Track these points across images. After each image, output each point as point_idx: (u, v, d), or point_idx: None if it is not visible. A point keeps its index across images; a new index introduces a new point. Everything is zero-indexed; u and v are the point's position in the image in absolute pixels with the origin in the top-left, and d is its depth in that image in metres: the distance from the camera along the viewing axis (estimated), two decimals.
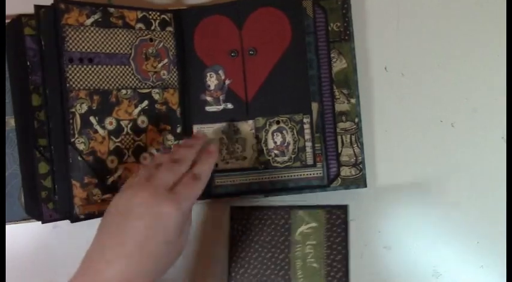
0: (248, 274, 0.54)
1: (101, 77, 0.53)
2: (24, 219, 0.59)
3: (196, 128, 0.59)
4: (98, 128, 0.53)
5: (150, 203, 0.45)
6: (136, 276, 0.44)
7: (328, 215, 0.54)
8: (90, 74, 0.53)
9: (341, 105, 0.59)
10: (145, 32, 0.56)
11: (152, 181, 0.47)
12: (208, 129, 0.58)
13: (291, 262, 0.54)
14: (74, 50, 0.52)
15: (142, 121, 0.56)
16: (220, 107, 0.59)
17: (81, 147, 0.52)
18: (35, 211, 0.56)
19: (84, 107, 0.52)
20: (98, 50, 0.53)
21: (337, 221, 0.54)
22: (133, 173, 0.53)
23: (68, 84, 0.51)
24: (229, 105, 0.59)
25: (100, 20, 0.53)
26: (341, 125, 0.59)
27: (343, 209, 0.53)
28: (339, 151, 0.59)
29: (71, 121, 0.51)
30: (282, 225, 0.55)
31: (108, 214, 0.47)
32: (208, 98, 0.59)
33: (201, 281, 0.61)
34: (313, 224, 0.54)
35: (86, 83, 0.52)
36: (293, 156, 0.57)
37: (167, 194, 0.46)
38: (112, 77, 0.54)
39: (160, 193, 0.46)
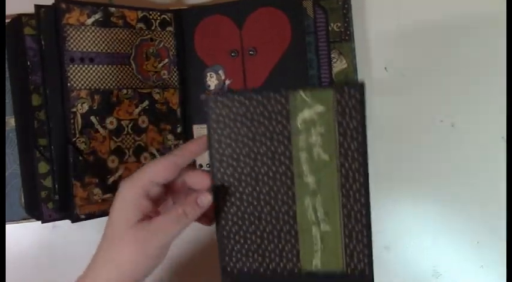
0: (238, 173, 0.43)
1: (101, 76, 0.53)
2: (24, 219, 0.59)
3: (196, 128, 0.59)
4: (98, 127, 0.53)
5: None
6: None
7: (338, 95, 0.41)
8: (91, 74, 0.53)
9: None
10: (146, 32, 0.56)
11: None
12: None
13: (293, 155, 0.43)
14: (75, 49, 0.52)
15: (143, 121, 0.56)
16: None
17: (82, 146, 0.52)
18: (35, 211, 0.56)
19: (85, 107, 0.52)
20: (99, 50, 0.53)
21: (350, 102, 0.41)
22: None
23: (69, 84, 0.51)
24: None
25: (101, 19, 0.53)
26: None
27: (358, 87, 0.41)
28: None
29: (72, 121, 0.51)
30: (278, 112, 0.42)
31: None
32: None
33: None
34: (320, 108, 0.42)
35: (87, 82, 0.52)
36: None
37: None
38: (113, 77, 0.54)
39: None
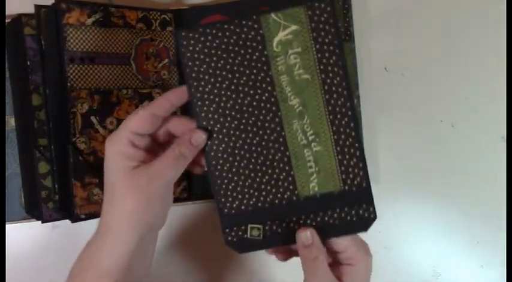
0: (222, 108, 0.42)
1: (101, 76, 0.53)
2: (24, 219, 0.59)
3: None
4: (98, 127, 0.53)
5: None
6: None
7: (309, 11, 0.41)
8: (91, 74, 0.52)
9: None
10: (146, 32, 0.56)
11: None
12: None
13: (274, 80, 0.41)
14: (75, 49, 0.52)
15: None
16: None
17: (82, 147, 0.52)
18: (35, 211, 0.56)
19: (85, 107, 0.52)
20: (99, 50, 0.53)
21: (322, 17, 0.41)
22: None
23: (69, 84, 0.51)
24: None
25: (101, 19, 0.53)
26: None
27: (328, 0, 0.41)
28: None
29: (72, 121, 0.51)
30: (253, 39, 0.41)
31: None
32: None
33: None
34: (293, 27, 0.41)
35: (87, 82, 0.52)
36: None
37: None
38: (113, 77, 0.54)
39: None
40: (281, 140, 0.42)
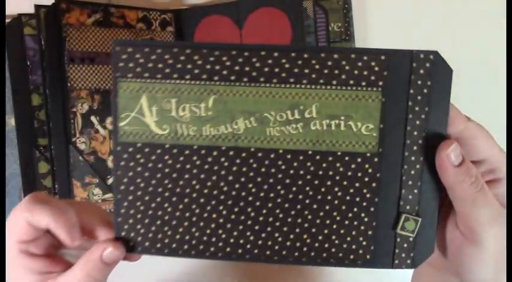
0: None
1: (102, 76, 0.53)
2: None
3: None
4: (99, 127, 0.53)
5: None
6: None
7: (120, 73, 0.32)
8: (91, 74, 0.53)
9: None
10: (146, 32, 0.56)
11: None
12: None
13: (192, 149, 0.33)
14: (75, 49, 0.52)
15: None
16: None
17: (82, 147, 0.52)
18: None
19: (85, 107, 0.52)
20: (99, 50, 0.53)
21: (136, 60, 0.32)
22: None
23: (69, 84, 0.51)
24: None
25: (101, 19, 0.53)
26: None
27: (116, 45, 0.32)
28: None
29: (72, 121, 0.51)
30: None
31: None
32: None
33: None
34: (141, 100, 0.33)
35: (87, 82, 0.52)
36: None
37: None
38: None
39: None
40: (288, 159, 0.33)
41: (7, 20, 0.57)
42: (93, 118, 0.53)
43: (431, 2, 0.62)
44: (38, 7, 0.53)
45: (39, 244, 0.33)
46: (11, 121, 0.58)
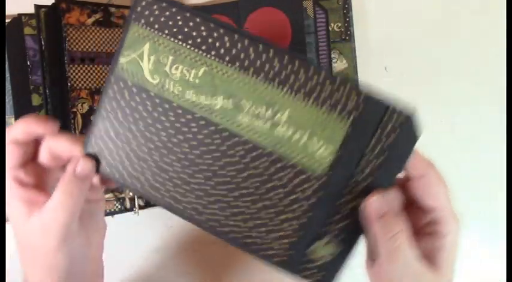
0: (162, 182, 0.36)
1: (102, 76, 0.53)
2: None
3: None
4: None
5: None
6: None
7: (137, 18, 0.35)
8: (92, 74, 0.53)
9: None
10: None
11: None
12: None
13: (180, 107, 0.35)
14: (75, 49, 0.52)
15: None
16: None
17: None
18: None
19: (86, 107, 0.52)
20: (99, 50, 0.53)
21: (154, 11, 0.35)
22: None
23: (69, 84, 0.51)
24: None
25: (101, 19, 0.53)
26: None
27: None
28: None
29: (72, 121, 0.51)
30: (127, 96, 0.36)
31: None
32: None
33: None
34: (145, 46, 0.35)
35: (87, 82, 0.52)
36: None
37: None
38: None
39: None
40: (249, 147, 0.35)
41: (7, 20, 0.57)
42: (93, 118, 0.53)
43: (431, 2, 0.62)
44: (38, 7, 0.53)
45: (28, 171, 0.37)
46: (11, 121, 0.58)
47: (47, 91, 0.54)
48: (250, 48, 0.34)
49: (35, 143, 0.38)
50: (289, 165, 0.35)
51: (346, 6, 0.59)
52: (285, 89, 0.34)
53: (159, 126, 0.36)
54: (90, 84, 0.52)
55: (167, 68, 0.35)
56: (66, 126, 0.51)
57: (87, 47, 0.52)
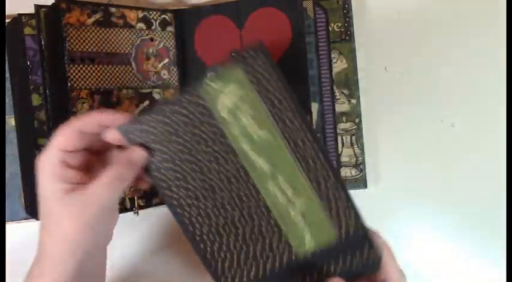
0: (192, 192, 0.41)
1: (102, 76, 0.53)
2: (24, 219, 0.59)
3: None
4: None
5: None
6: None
7: (242, 64, 0.38)
8: (92, 74, 0.52)
9: (341, 106, 0.59)
10: (146, 32, 0.56)
11: None
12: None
13: (234, 147, 0.39)
14: (75, 49, 0.52)
15: None
16: None
17: None
18: (35, 211, 0.56)
19: (86, 107, 0.52)
20: (99, 50, 0.53)
21: (258, 66, 0.38)
22: None
23: (69, 84, 0.51)
24: None
25: (101, 19, 0.53)
26: (341, 125, 0.59)
27: (256, 47, 0.38)
28: (339, 152, 0.59)
29: None
30: (199, 113, 0.39)
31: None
32: None
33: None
34: (232, 86, 0.38)
35: (87, 82, 0.52)
36: None
37: None
38: (113, 77, 0.54)
39: None
40: (261, 205, 0.40)
41: (7, 20, 0.57)
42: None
43: (431, 1, 0.62)
44: (38, 7, 0.53)
45: (77, 157, 0.39)
46: (11, 121, 0.59)
47: (47, 91, 0.54)
48: (309, 143, 0.39)
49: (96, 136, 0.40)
50: (284, 237, 0.40)
51: (346, 6, 0.59)
52: (314, 185, 0.39)
53: (205, 148, 0.40)
54: (90, 84, 0.52)
55: (241, 115, 0.39)
56: None
57: (87, 47, 0.52)
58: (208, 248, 0.41)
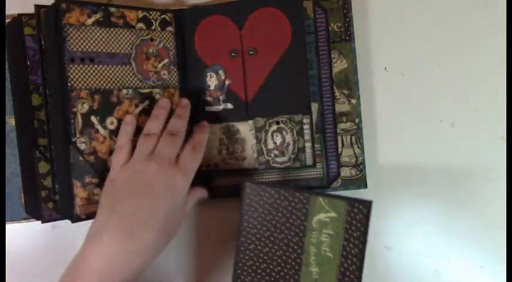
0: (258, 251, 0.52)
1: (102, 76, 0.53)
2: (24, 219, 0.59)
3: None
4: (99, 127, 0.53)
5: (164, 179, 0.48)
6: (154, 252, 0.48)
7: (349, 207, 0.50)
8: (92, 74, 0.52)
9: (341, 106, 0.59)
10: (146, 32, 0.56)
11: (156, 155, 0.49)
12: (208, 129, 0.58)
13: (304, 247, 0.51)
14: (75, 49, 0.52)
15: (143, 121, 0.55)
16: (220, 107, 0.59)
17: (82, 147, 0.52)
18: (35, 211, 0.56)
19: (86, 107, 0.52)
20: (99, 50, 0.53)
21: (358, 215, 0.50)
22: (117, 149, 0.53)
23: (69, 84, 0.51)
24: (229, 106, 0.59)
25: (101, 19, 0.53)
26: (341, 125, 0.59)
27: (367, 204, 0.50)
28: (339, 152, 0.59)
29: (72, 121, 0.51)
30: (299, 209, 0.51)
31: (116, 191, 0.49)
32: (208, 98, 0.59)
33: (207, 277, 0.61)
34: (333, 214, 0.50)
35: (87, 82, 0.52)
36: (293, 156, 0.57)
37: (174, 167, 0.49)
38: (113, 77, 0.54)
39: (169, 166, 0.49)
40: None
41: (7, 20, 0.57)
42: (93, 118, 0.53)
43: (431, 2, 0.62)
44: (38, 7, 0.53)
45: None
46: (11, 121, 0.59)
47: (47, 91, 0.54)
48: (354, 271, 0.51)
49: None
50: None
51: (346, 6, 0.59)
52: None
53: (285, 236, 0.52)
54: (90, 84, 0.52)
55: (324, 231, 0.51)
56: (66, 126, 0.51)
57: (87, 47, 0.52)
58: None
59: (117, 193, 0.49)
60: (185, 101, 0.56)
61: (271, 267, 0.52)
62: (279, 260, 0.51)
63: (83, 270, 0.45)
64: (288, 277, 0.52)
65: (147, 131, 0.52)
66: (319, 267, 0.51)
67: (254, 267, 0.52)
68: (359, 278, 0.50)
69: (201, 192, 0.55)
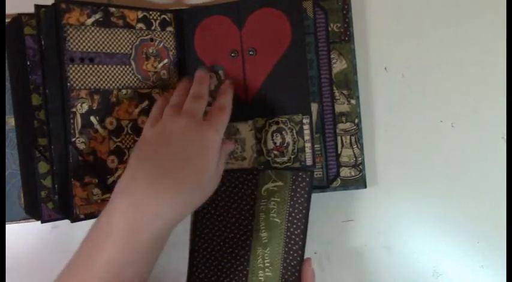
0: (214, 220, 0.56)
1: (101, 76, 0.53)
2: (24, 219, 0.59)
3: None
4: (98, 127, 0.53)
5: (194, 131, 0.47)
6: (188, 207, 0.46)
7: (294, 176, 0.55)
8: (91, 74, 0.52)
9: (341, 106, 0.59)
10: (146, 32, 0.56)
11: (184, 113, 0.49)
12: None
13: (255, 214, 0.56)
14: (75, 49, 0.52)
15: (143, 121, 0.56)
16: None
17: (81, 147, 0.52)
18: (35, 211, 0.56)
19: (85, 107, 0.52)
20: (99, 50, 0.53)
21: (301, 183, 0.55)
22: (150, 117, 0.52)
23: (68, 84, 0.51)
24: None
25: (101, 19, 0.53)
26: (341, 125, 0.59)
27: (309, 173, 0.55)
28: (339, 152, 0.59)
29: (71, 121, 0.51)
30: (250, 180, 0.56)
31: (145, 144, 0.48)
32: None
33: None
34: (280, 183, 0.56)
35: (87, 82, 0.52)
36: (292, 156, 0.57)
37: (203, 121, 0.49)
38: (112, 77, 0.54)
39: (199, 121, 0.48)
40: (246, 257, 0.56)
41: (7, 20, 0.57)
42: (92, 118, 0.53)
43: (431, 2, 0.62)
44: (38, 7, 0.53)
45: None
46: (11, 121, 0.59)
47: (47, 91, 0.54)
48: (299, 239, 0.56)
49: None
50: None
51: (346, 6, 0.59)
52: (283, 266, 0.56)
53: (237, 205, 0.57)
54: (89, 84, 0.52)
55: (272, 199, 0.56)
56: (65, 126, 0.51)
57: (86, 47, 0.52)
58: (200, 264, 0.57)
59: (145, 146, 0.48)
60: (200, 72, 0.56)
61: (225, 234, 0.56)
62: (233, 227, 0.56)
63: (108, 227, 0.43)
64: (241, 242, 0.56)
65: (175, 102, 0.52)
66: (268, 232, 0.56)
67: (210, 234, 0.56)
68: (303, 240, 0.55)
69: (231, 145, 0.56)
